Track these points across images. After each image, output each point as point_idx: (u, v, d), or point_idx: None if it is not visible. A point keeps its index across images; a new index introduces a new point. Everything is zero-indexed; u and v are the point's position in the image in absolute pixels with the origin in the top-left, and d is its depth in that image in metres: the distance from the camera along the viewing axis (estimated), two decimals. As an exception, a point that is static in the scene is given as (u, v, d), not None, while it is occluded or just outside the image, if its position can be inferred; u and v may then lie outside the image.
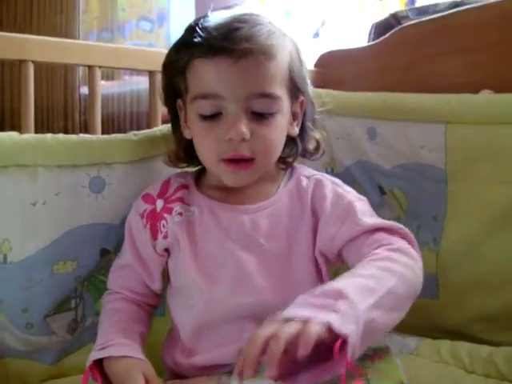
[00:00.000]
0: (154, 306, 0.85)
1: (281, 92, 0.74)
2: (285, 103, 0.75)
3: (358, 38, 1.90)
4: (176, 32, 2.54)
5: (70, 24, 2.20)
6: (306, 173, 0.82)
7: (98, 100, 1.02)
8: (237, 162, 0.73)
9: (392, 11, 1.75)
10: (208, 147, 0.75)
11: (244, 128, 0.70)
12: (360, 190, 1.11)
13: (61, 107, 2.20)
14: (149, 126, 1.26)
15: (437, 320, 1.04)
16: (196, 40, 0.71)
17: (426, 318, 1.04)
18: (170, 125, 0.87)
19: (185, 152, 0.83)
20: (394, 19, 1.50)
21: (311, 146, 0.84)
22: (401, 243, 0.70)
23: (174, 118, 0.83)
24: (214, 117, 0.73)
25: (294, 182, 0.80)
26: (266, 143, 0.74)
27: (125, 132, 0.89)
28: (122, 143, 0.85)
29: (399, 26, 1.14)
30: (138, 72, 2.35)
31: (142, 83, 2.31)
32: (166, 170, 0.87)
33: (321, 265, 0.76)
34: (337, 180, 0.81)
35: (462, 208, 1.00)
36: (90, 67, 1.00)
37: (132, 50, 1.12)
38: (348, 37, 1.99)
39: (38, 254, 0.79)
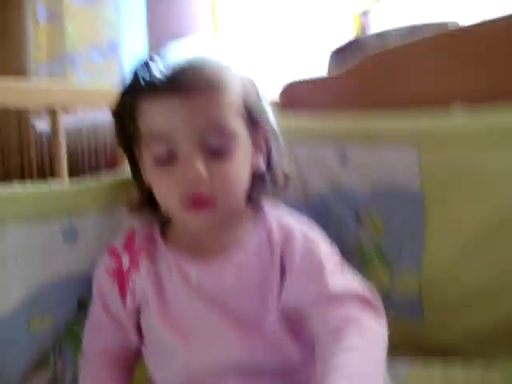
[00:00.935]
0: (134, 361, 0.82)
1: (236, 126, 0.70)
2: (242, 137, 0.72)
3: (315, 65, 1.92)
4: (128, 63, 2.53)
5: (20, 58, 2.16)
6: (276, 220, 0.77)
7: (63, 142, 0.98)
8: (197, 203, 0.69)
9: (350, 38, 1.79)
10: (166, 193, 0.71)
11: (200, 166, 0.67)
12: (336, 217, 1.11)
13: (15, 144, 2.15)
14: (114, 161, 1.22)
15: (424, 339, 1.03)
16: (140, 83, 0.69)
17: (412, 336, 1.03)
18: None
19: (148, 200, 0.78)
20: (355, 45, 1.51)
21: (280, 180, 0.80)
22: (368, 322, 0.67)
23: (133, 164, 0.79)
24: (168, 161, 0.69)
25: (265, 233, 0.75)
26: (226, 181, 0.69)
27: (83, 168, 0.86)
28: (93, 189, 0.82)
29: (371, 54, 1.13)
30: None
31: (98, 117, 2.28)
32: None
33: (285, 321, 0.73)
34: (306, 228, 0.77)
35: (443, 228, 0.99)
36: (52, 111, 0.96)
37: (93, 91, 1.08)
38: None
39: (13, 311, 0.75)
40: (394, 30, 1.43)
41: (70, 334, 0.85)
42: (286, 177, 0.81)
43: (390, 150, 1.02)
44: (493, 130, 0.92)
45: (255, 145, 0.75)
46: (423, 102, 1.01)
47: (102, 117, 2.19)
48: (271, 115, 0.78)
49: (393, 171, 1.02)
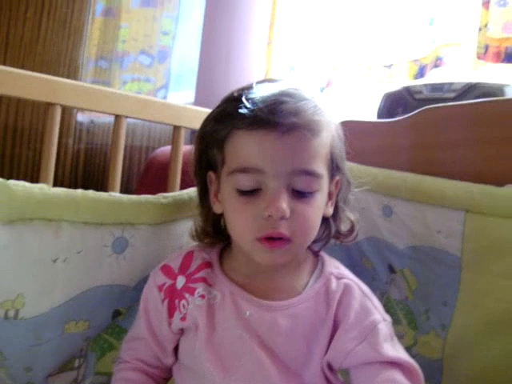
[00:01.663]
0: (166, 379, 0.82)
1: (322, 170, 0.71)
2: (325, 182, 0.72)
3: (363, 102, 1.92)
4: (176, 70, 2.55)
5: (76, 51, 2.19)
6: (335, 271, 0.78)
7: (121, 150, 1.00)
8: (273, 240, 0.69)
9: (402, 82, 1.80)
10: (244, 223, 0.70)
11: (285, 205, 0.67)
12: (369, 265, 1.12)
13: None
14: (151, 165, 1.23)
15: (439, 408, 1.02)
16: (240, 111, 0.68)
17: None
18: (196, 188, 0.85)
19: (213, 227, 0.79)
20: (407, 93, 1.52)
21: (344, 227, 0.81)
22: None
23: (203, 191, 0.80)
24: (252, 192, 0.69)
25: (323, 283, 0.76)
26: (306, 223, 0.70)
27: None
28: (150, 205, 0.83)
29: (427, 107, 1.13)
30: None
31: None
32: (188, 234, 0.84)
33: (326, 373, 0.73)
34: (365, 288, 0.78)
35: (475, 298, 0.98)
36: (117, 116, 0.98)
37: (159, 103, 1.10)
38: (353, 100, 2.01)
39: (52, 312, 0.75)
40: (450, 84, 1.43)
41: (98, 341, 0.86)
42: (352, 224, 0.81)
43: (436, 210, 1.02)
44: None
45: (329, 189, 0.76)
46: (473, 172, 1.02)
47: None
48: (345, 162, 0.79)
49: (435, 231, 1.02)
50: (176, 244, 0.85)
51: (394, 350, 0.72)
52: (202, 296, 0.74)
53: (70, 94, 0.92)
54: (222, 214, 0.77)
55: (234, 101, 0.71)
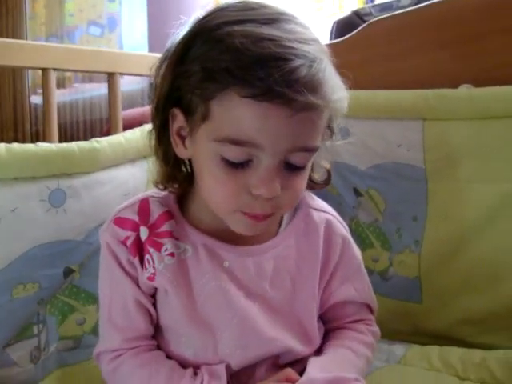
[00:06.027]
0: None
1: (320, 141, 0.61)
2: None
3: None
4: (128, 37, 2.49)
5: (17, 28, 2.12)
6: (312, 203, 0.73)
7: (54, 105, 0.94)
8: (258, 218, 0.61)
9: (352, 9, 1.74)
10: (226, 195, 0.60)
11: (277, 185, 0.58)
12: (334, 192, 1.08)
13: (10, 117, 2.11)
14: (109, 132, 1.19)
15: (422, 324, 1.00)
16: (246, 75, 0.53)
17: (410, 322, 1.01)
18: (134, 130, 0.80)
19: (179, 171, 0.68)
20: (357, 16, 1.47)
21: (319, 176, 0.72)
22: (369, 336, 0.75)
23: (162, 127, 0.65)
24: (241, 164, 0.58)
25: (302, 218, 0.71)
26: (294, 195, 0.62)
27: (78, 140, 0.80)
28: (84, 151, 0.77)
29: (369, 21, 1.09)
30: (91, 78, 2.29)
31: (94, 90, 2.25)
32: (132, 180, 0.80)
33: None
34: (342, 220, 0.76)
35: (444, 208, 0.96)
36: (44, 70, 0.92)
37: (88, 51, 1.04)
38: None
39: (-5, 278, 0.71)
40: (398, 1, 1.39)
41: (55, 304, 0.82)
42: (328, 173, 0.73)
43: (393, 123, 0.98)
44: (497, 99, 0.90)
45: None
46: (426, 79, 0.98)
47: (98, 91, 2.18)
48: None
49: (395, 146, 0.99)
50: (121, 190, 0.80)
51: (368, 291, 0.76)
52: (172, 254, 0.67)
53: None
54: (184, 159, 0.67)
55: (234, 52, 0.54)
